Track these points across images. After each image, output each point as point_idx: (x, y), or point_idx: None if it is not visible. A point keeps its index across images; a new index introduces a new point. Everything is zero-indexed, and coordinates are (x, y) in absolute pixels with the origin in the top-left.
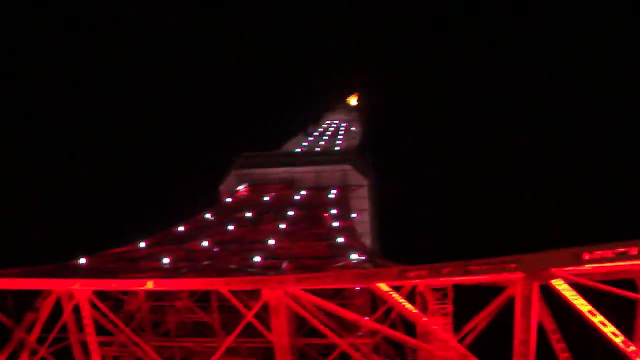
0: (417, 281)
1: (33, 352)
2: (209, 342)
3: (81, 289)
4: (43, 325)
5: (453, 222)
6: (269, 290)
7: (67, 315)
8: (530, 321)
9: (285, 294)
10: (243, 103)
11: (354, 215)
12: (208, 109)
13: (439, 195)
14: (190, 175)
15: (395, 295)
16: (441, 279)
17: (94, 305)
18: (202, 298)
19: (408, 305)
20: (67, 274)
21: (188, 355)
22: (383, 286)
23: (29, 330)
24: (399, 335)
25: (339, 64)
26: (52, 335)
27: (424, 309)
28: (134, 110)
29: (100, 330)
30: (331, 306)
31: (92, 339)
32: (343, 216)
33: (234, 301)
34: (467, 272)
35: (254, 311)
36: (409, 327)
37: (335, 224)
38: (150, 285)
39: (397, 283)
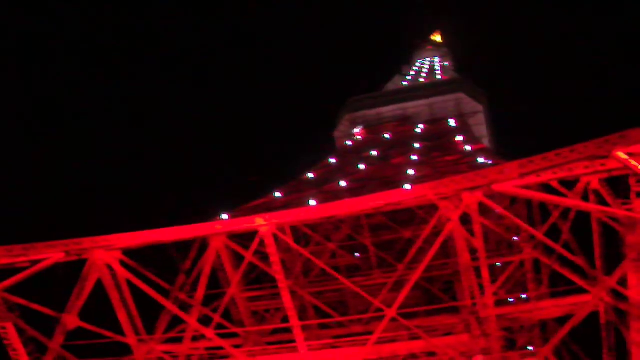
0: None
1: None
2: (366, 280)
3: (267, 224)
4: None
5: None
6: (469, 193)
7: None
8: None
9: (486, 195)
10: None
11: None
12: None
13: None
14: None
15: (633, 161)
16: None
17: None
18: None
19: None
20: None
21: (341, 297)
22: (621, 154)
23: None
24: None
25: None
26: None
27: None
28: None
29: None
30: (547, 197)
31: (281, 276)
32: (472, 140)
33: (443, 206)
34: None
35: (458, 213)
36: None
37: (468, 147)
38: (346, 208)
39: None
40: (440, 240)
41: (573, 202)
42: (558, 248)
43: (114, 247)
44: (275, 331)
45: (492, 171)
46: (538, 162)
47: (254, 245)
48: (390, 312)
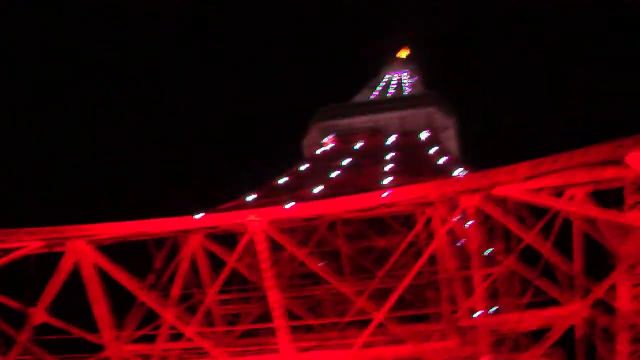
0: None
1: None
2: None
3: (257, 220)
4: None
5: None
6: (469, 196)
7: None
8: None
9: (485, 199)
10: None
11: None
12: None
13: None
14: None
15: None
16: None
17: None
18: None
19: None
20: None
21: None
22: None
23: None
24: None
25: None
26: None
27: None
28: None
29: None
30: (553, 203)
31: (268, 274)
32: (446, 153)
33: (440, 209)
34: None
35: (454, 216)
36: None
37: (443, 159)
38: (345, 205)
39: None
40: (434, 245)
41: (576, 209)
42: (546, 254)
43: (97, 236)
44: (243, 335)
45: (499, 172)
46: (549, 164)
47: (240, 247)
48: (379, 316)
